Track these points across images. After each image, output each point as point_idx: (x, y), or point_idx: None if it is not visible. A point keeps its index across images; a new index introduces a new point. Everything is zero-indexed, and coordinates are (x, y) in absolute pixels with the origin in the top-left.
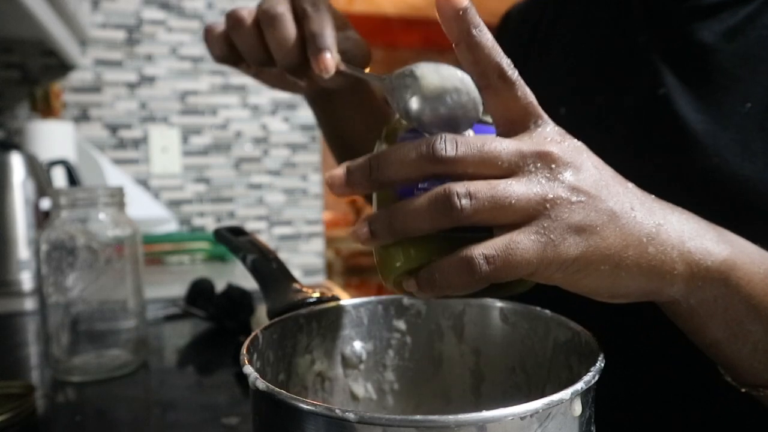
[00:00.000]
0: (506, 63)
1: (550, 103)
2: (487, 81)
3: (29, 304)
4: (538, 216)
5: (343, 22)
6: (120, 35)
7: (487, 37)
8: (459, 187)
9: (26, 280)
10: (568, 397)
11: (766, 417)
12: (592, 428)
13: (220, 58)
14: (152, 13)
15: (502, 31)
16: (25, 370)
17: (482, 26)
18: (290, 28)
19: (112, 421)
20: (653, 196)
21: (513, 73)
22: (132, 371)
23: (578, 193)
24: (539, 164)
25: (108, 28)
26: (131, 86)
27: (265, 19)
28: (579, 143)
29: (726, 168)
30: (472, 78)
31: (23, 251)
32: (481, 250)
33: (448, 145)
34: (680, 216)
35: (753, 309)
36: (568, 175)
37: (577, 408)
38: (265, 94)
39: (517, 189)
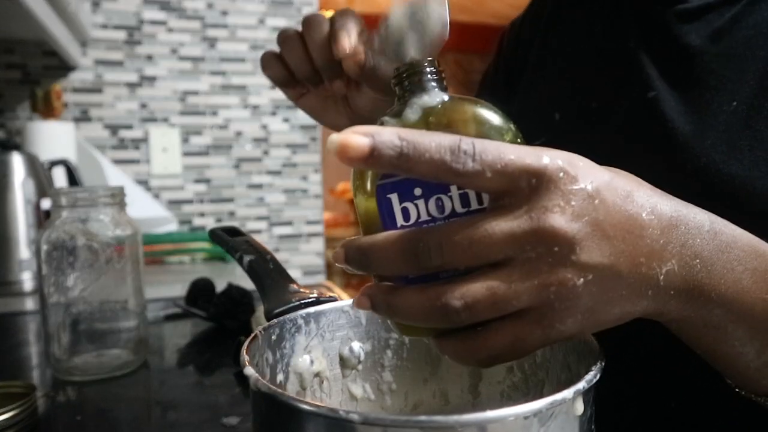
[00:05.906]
0: (451, 142)
1: (545, 108)
2: (445, 171)
3: (30, 304)
4: (542, 304)
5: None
6: (120, 36)
7: (418, 143)
8: (455, 301)
9: (27, 280)
10: (571, 396)
11: (765, 417)
12: (593, 427)
13: (273, 77)
14: (153, 14)
15: (498, 50)
16: (26, 370)
17: (400, 141)
18: (324, 27)
19: (112, 420)
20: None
21: (469, 146)
22: (132, 371)
23: (586, 272)
24: (539, 248)
25: (108, 28)
26: (132, 86)
27: (304, 23)
28: (593, 186)
29: (713, 167)
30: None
31: (24, 251)
32: (487, 353)
33: (434, 253)
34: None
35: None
36: (573, 256)
37: (579, 407)
38: (265, 95)
39: (518, 285)
